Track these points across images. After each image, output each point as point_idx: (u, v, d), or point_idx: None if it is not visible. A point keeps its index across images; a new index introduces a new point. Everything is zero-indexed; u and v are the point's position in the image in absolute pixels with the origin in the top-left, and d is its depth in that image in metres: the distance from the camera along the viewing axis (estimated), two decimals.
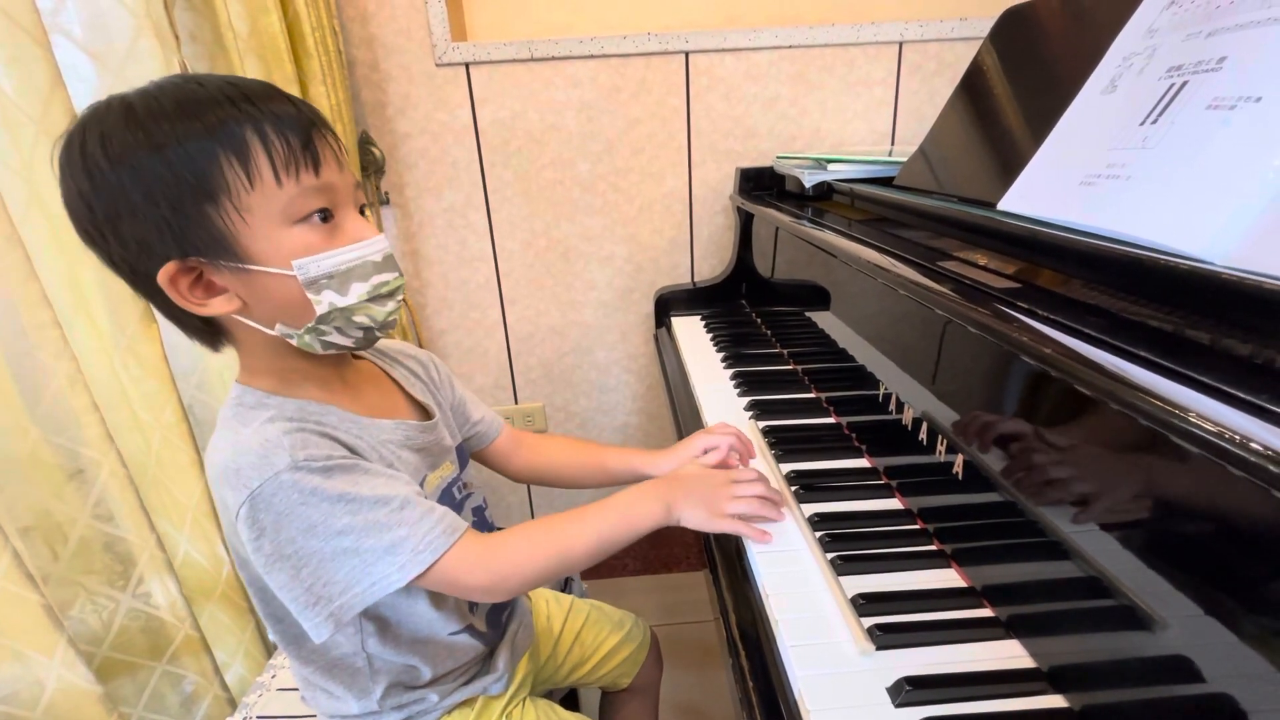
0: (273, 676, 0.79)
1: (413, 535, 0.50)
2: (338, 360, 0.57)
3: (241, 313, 0.49)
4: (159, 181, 0.44)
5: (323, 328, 0.50)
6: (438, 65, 1.24)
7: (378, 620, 0.57)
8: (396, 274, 0.53)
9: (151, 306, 0.77)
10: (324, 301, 0.49)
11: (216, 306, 0.49)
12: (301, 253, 0.48)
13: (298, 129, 0.47)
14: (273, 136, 0.46)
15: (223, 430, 0.52)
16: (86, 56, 0.78)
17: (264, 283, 0.48)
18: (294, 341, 0.50)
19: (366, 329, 0.52)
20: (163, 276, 0.46)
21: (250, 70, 0.97)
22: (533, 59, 1.25)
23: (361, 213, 0.53)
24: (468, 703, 0.64)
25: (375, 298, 0.51)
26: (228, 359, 0.93)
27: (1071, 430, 0.42)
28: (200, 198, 0.45)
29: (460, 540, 0.52)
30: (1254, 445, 0.28)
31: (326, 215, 0.49)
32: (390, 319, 0.53)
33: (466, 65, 1.25)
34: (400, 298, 0.54)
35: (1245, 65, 0.42)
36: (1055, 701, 0.43)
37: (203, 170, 0.45)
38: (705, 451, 0.72)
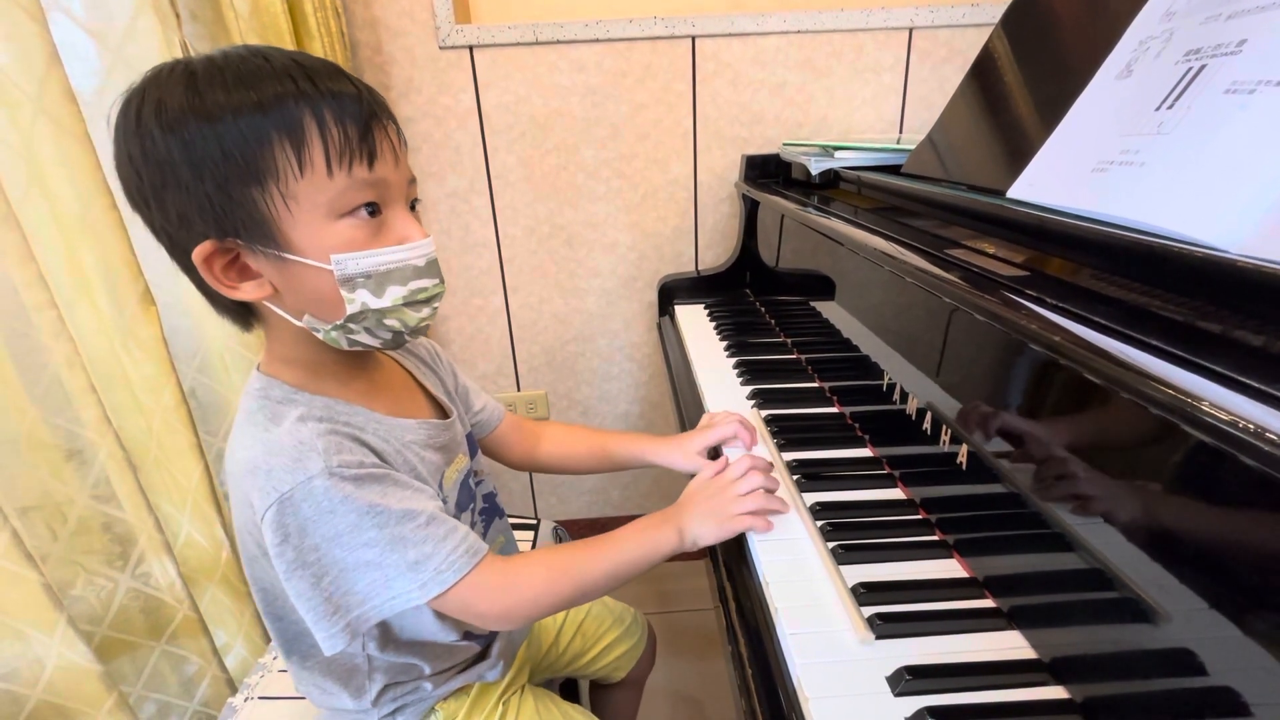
0: (274, 658, 0.79)
1: (436, 554, 0.49)
2: (364, 356, 0.56)
3: (272, 299, 0.48)
4: (208, 158, 0.43)
5: (352, 326, 0.49)
6: (441, 48, 1.23)
7: (380, 625, 0.56)
8: (437, 280, 0.51)
9: (150, 288, 0.78)
10: (357, 301, 0.48)
11: (248, 291, 0.48)
12: (343, 248, 0.46)
13: (358, 117, 0.45)
14: (330, 123, 0.44)
15: (250, 425, 0.50)
16: (86, 34, 0.77)
17: (299, 273, 0.47)
18: (320, 335, 0.49)
19: (396, 332, 0.51)
20: (198, 255, 0.45)
21: None
22: (537, 42, 1.23)
23: (412, 208, 0.52)
24: (463, 689, 0.64)
25: (411, 303, 0.50)
26: (231, 342, 0.93)
27: (1079, 420, 0.41)
28: (248, 180, 0.44)
29: (481, 564, 0.52)
30: (1269, 435, 0.27)
31: (374, 210, 0.47)
32: (423, 325, 0.52)
33: (470, 48, 1.24)
34: (436, 305, 0.52)
35: (1266, 48, 0.41)
36: (1056, 693, 0.43)
37: (254, 152, 0.43)
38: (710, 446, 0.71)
